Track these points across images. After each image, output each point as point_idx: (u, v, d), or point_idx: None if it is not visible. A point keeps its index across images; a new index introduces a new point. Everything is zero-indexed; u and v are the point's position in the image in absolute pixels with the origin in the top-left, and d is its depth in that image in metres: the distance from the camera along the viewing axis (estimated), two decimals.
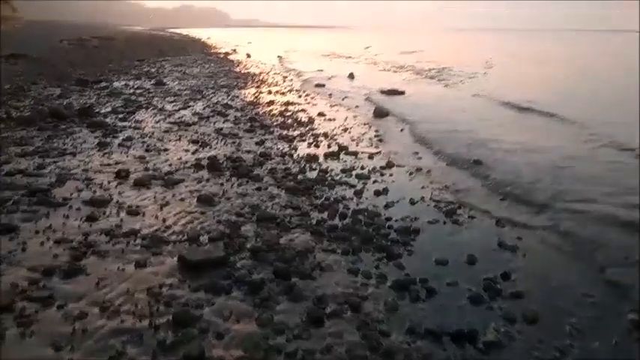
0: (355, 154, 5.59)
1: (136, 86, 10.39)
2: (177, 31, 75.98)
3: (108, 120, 6.74)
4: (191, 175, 4.56)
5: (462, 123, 7.68)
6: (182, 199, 3.91)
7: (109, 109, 7.60)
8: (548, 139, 6.72)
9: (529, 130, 7.40)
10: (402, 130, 7.15)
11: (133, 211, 3.58)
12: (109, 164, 4.72)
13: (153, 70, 14.26)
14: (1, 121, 6.15)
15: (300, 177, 4.63)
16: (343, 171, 4.87)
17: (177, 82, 11.41)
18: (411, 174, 4.92)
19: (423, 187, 4.50)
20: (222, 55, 23.29)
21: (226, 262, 2.86)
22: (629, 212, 3.92)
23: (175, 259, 2.87)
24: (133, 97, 8.84)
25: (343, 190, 4.30)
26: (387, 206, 3.93)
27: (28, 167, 4.46)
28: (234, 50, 27.63)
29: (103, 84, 10.42)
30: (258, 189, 4.24)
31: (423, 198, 4.18)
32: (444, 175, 4.94)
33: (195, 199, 3.89)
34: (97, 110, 7.36)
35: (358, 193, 4.21)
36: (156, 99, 8.85)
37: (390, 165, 5.16)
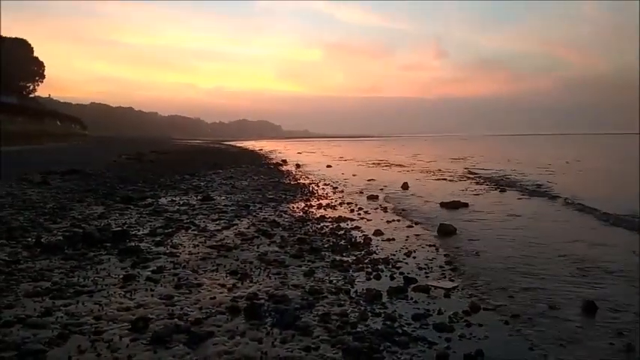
0: (426, 290, 4.52)
1: (181, 202, 9.96)
2: (233, 143, 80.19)
3: (142, 245, 6.07)
4: (223, 324, 3.62)
5: (555, 242, 6.51)
6: None
7: (147, 230, 7.00)
8: None
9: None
10: (476, 253, 6.05)
11: None
12: (128, 308, 3.88)
13: (202, 183, 14.07)
14: (26, 248, 5.60)
15: (360, 327, 3.59)
16: (416, 318, 3.80)
17: (224, 197, 10.96)
18: (506, 323, 3.77)
19: (530, 348, 3.33)
20: (272, 167, 23.43)
21: None
22: None
23: None
24: (176, 215, 8.30)
25: (421, 353, 3.20)
26: None
27: (33, 314, 3.68)
28: (284, 161, 27.96)
29: (149, 200, 10.07)
30: (307, 349, 3.22)
31: None
32: (553, 325, 3.75)
33: None
34: (133, 232, 6.77)
35: (442, 359, 3.10)
36: (199, 217, 8.27)
37: (475, 308, 4.04)
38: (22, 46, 74.07)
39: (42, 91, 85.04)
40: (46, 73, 79.29)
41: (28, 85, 77.42)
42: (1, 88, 56.99)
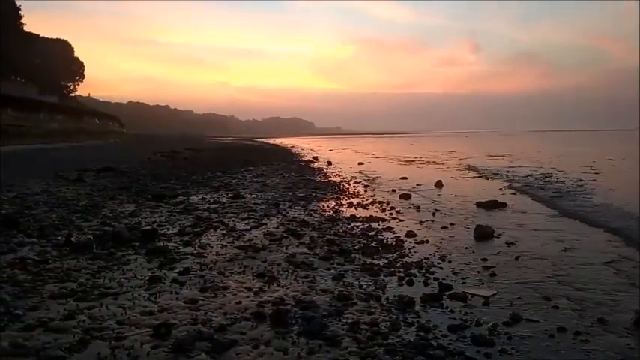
0: (463, 297, 4.25)
1: (212, 200, 9.93)
2: (265, 140, 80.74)
3: (171, 244, 6.01)
4: (248, 332, 3.46)
5: (601, 248, 6.10)
6: None
7: (176, 229, 6.95)
8: None
9: None
10: (516, 258, 5.71)
11: None
12: (151, 312, 3.78)
13: (233, 181, 14.07)
14: (56, 247, 5.61)
15: (392, 339, 3.37)
16: (452, 329, 3.54)
17: (254, 195, 10.88)
18: (551, 336, 3.48)
19: None
20: (303, 164, 23.33)
21: None
22: None
23: None
24: (206, 214, 8.24)
25: None
26: None
27: (56, 316, 3.62)
28: (316, 158, 27.83)
29: (180, 198, 10.09)
30: None
31: None
32: (603, 340, 3.43)
33: None
34: (162, 231, 6.73)
35: None
36: (229, 216, 8.20)
37: (516, 318, 3.76)
38: (63, 47, 76.61)
39: (82, 90, 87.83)
40: (85, 72, 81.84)
41: (68, 84, 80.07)
42: (44, 87, 59.01)
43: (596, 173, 16.97)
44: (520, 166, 20.47)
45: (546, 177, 15.62)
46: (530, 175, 16.12)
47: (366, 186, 13.56)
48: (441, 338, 3.40)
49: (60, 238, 6.06)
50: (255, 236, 6.63)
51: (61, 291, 4.16)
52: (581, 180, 14.47)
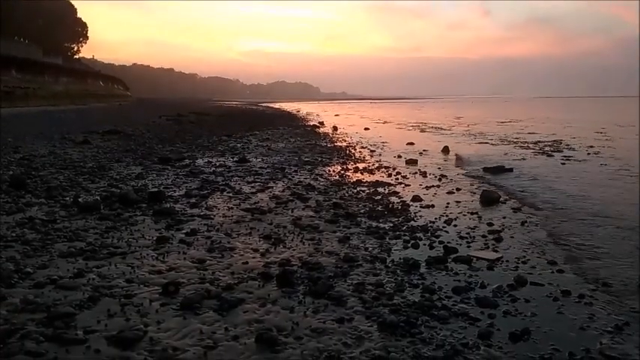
0: (468, 261, 4.27)
1: (218, 164, 9.94)
2: (270, 105, 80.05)
3: (177, 206, 6.05)
4: (255, 291, 3.51)
5: (608, 213, 6.09)
6: (236, 337, 2.83)
7: (182, 191, 6.98)
8: None
9: None
10: (523, 223, 5.70)
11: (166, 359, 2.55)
12: (159, 271, 3.83)
13: (239, 145, 14.04)
14: (64, 208, 5.65)
15: (396, 299, 3.41)
16: (456, 291, 3.57)
17: (260, 159, 10.87)
18: (555, 299, 3.50)
19: (582, 328, 3.06)
20: (308, 129, 23.19)
21: None
22: None
23: None
24: (212, 177, 8.26)
25: (462, 329, 2.99)
26: None
27: (65, 275, 3.67)
28: (321, 123, 27.63)
29: (186, 161, 10.10)
30: (341, 321, 3.07)
31: (588, 351, 2.76)
32: (607, 304, 3.44)
33: (254, 339, 2.80)
34: (169, 194, 6.76)
35: (485, 337, 2.89)
36: (235, 179, 8.21)
37: (521, 282, 3.78)
38: (65, 8, 75.37)
39: (86, 52, 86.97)
40: (89, 34, 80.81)
41: (72, 46, 79.20)
42: (47, 49, 58.34)
43: (607, 139, 16.79)
44: (529, 133, 20.28)
45: (556, 142, 15.48)
46: (540, 142, 15.97)
47: (372, 151, 13.50)
48: (446, 299, 3.43)
49: (67, 198, 6.11)
50: (261, 199, 6.65)
51: (70, 250, 4.21)
52: (591, 146, 14.33)
